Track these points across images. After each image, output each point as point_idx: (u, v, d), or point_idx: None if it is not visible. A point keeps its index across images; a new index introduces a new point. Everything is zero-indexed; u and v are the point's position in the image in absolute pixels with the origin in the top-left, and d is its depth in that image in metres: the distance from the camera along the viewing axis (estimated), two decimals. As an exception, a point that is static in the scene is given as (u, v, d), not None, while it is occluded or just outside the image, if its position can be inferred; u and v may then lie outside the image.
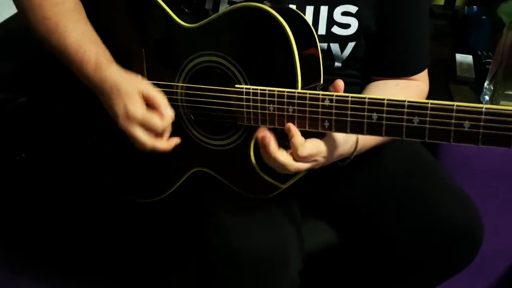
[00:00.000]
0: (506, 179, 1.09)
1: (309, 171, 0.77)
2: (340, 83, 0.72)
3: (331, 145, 0.75)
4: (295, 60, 0.72)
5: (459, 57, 1.33)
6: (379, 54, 0.90)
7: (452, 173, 0.97)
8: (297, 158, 0.72)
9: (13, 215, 1.40)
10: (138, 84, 0.81)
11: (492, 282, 1.12)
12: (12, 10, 1.22)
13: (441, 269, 0.91)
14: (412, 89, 0.91)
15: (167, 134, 0.82)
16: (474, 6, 1.48)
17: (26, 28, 0.86)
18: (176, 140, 0.84)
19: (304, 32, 0.76)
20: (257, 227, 0.80)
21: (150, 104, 0.80)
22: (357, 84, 0.94)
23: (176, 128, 0.84)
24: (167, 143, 0.83)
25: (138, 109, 0.79)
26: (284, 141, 0.74)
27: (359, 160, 0.85)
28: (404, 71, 0.91)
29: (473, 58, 1.32)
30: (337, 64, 0.88)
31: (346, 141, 0.78)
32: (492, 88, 1.09)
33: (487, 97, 1.12)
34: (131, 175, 0.98)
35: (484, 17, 1.39)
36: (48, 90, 0.94)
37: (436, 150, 1.06)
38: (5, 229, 1.41)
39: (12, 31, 1.12)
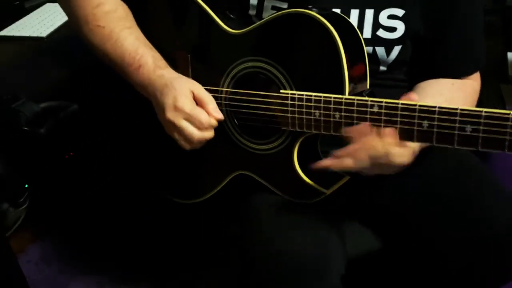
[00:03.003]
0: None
1: (354, 176, 0.76)
2: (412, 97, 0.70)
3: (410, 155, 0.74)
4: (343, 66, 0.72)
5: (511, 55, 1.27)
6: (428, 57, 0.88)
7: (500, 178, 0.93)
8: None
9: (64, 212, 1.46)
10: (191, 84, 0.84)
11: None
12: (63, 18, 1.28)
13: (493, 274, 0.88)
14: (468, 89, 0.89)
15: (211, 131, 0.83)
16: (528, 1, 1.41)
17: (76, 36, 0.89)
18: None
19: (351, 37, 0.75)
20: (299, 232, 0.79)
21: (199, 105, 0.82)
22: (404, 87, 0.92)
23: (220, 132, 0.85)
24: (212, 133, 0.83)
25: (187, 103, 0.81)
26: (333, 147, 0.73)
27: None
28: (456, 74, 0.89)
29: (526, 56, 1.26)
30: (382, 68, 0.87)
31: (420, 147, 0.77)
32: (547, 89, 1.04)
33: (541, 99, 1.07)
34: (174, 177, 1.00)
35: (538, 12, 1.32)
36: (99, 96, 0.97)
37: (484, 154, 1.02)
38: (54, 226, 1.47)
39: (63, 38, 1.16)
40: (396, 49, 0.84)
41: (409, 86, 0.92)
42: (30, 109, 0.90)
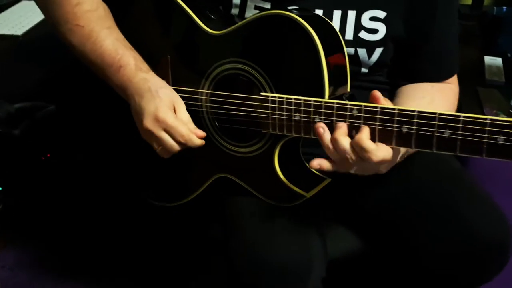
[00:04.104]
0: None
1: (338, 179, 0.76)
2: (376, 94, 0.69)
3: (396, 153, 0.73)
4: (323, 69, 0.71)
5: (488, 59, 1.29)
6: (408, 60, 0.89)
7: (480, 182, 0.94)
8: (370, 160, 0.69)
9: (35, 215, 1.42)
10: (176, 98, 0.83)
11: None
12: (40, 16, 1.25)
13: (469, 280, 0.89)
14: (447, 92, 0.91)
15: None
16: (504, 7, 1.44)
17: (53, 35, 0.87)
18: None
19: (332, 40, 0.75)
20: (281, 235, 0.79)
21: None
22: (385, 89, 0.93)
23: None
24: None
25: (170, 115, 0.80)
26: (315, 148, 0.73)
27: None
28: (435, 77, 0.90)
29: (503, 60, 1.29)
30: (364, 70, 0.87)
31: (405, 150, 0.77)
32: (522, 93, 1.06)
33: (517, 102, 1.09)
34: (154, 179, 0.99)
35: (514, 18, 1.35)
36: (76, 97, 0.95)
37: (464, 159, 1.04)
38: (29, 229, 1.44)
39: (39, 37, 1.13)
40: (378, 51, 0.84)
41: (390, 88, 0.93)
42: (3, 110, 0.88)
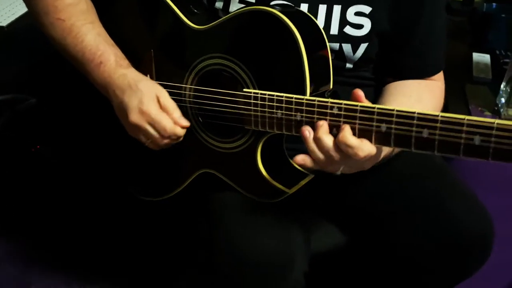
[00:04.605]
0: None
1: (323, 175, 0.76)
2: (358, 93, 0.69)
3: (379, 149, 0.73)
4: (304, 66, 0.71)
5: (476, 56, 1.30)
6: (394, 56, 0.88)
7: (463, 178, 0.95)
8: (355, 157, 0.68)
9: (26, 208, 1.42)
10: (157, 88, 0.82)
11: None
12: (25, 7, 1.23)
13: (451, 274, 0.90)
14: (434, 89, 0.90)
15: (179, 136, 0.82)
16: (494, 3, 1.44)
17: (35, 28, 0.86)
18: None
19: (314, 37, 0.75)
20: (262, 230, 0.80)
21: (164, 112, 0.81)
22: (370, 85, 0.93)
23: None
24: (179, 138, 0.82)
25: (153, 107, 0.79)
26: (299, 143, 0.73)
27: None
28: (421, 73, 0.90)
29: (491, 57, 1.29)
30: (349, 65, 0.87)
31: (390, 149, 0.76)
32: (508, 90, 1.07)
33: (503, 100, 1.09)
34: (138, 174, 0.98)
35: (503, 15, 1.35)
36: (57, 91, 0.94)
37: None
38: (20, 222, 1.43)
39: (24, 28, 1.12)
40: (363, 47, 0.84)
41: (376, 84, 0.93)
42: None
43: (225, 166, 0.86)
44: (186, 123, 0.82)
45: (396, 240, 0.90)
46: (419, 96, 0.85)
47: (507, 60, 1.21)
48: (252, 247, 0.78)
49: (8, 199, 1.42)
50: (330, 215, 0.99)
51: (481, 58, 1.29)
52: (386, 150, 0.75)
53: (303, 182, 0.82)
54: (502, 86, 1.10)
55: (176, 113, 0.81)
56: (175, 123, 0.81)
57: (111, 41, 0.85)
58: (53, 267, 1.34)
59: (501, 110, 1.08)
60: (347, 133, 0.68)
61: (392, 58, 0.89)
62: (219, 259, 0.81)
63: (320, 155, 0.70)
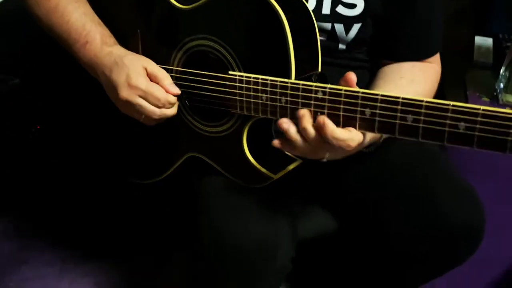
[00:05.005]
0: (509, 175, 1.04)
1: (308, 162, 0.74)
2: (350, 76, 0.66)
3: (364, 134, 0.70)
4: (289, 49, 0.69)
5: (478, 40, 1.26)
6: (388, 37, 0.86)
7: (457, 165, 0.93)
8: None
9: (24, 187, 1.43)
10: (143, 60, 0.81)
11: (494, 278, 1.10)
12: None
13: (441, 263, 0.89)
14: (429, 72, 0.88)
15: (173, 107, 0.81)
16: (498, -15, 1.39)
17: (22, 9, 0.85)
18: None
19: (302, 18, 0.73)
20: (246, 214, 0.79)
21: (154, 81, 0.80)
22: (364, 68, 0.90)
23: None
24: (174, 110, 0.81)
25: (142, 80, 0.78)
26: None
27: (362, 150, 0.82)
28: (416, 56, 0.87)
29: (494, 41, 1.25)
30: (342, 46, 0.85)
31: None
32: (507, 75, 1.04)
33: (502, 85, 1.06)
34: (128, 157, 0.98)
35: (508, -3, 1.30)
36: (41, 72, 0.93)
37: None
38: (17, 201, 1.45)
39: (13, 8, 1.10)
40: (356, 27, 0.82)
41: (371, 66, 0.90)
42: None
43: (212, 150, 0.84)
44: (177, 90, 0.80)
45: (386, 228, 0.89)
46: (411, 78, 0.83)
47: (510, 44, 1.18)
48: (236, 232, 0.77)
49: (5, 178, 1.43)
50: (321, 201, 0.98)
51: (483, 41, 1.26)
52: (371, 135, 0.73)
53: (290, 168, 0.81)
54: (501, 71, 1.07)
55: (167, 80, 0.80)
56: (167, 91, 0.79)
57: (98, 20, 0.84)
58: (50, 244, 1.35)
59: (500, 95, 1.05)
60: (332, 127, 0.65)
61: (386, 40, 0.86)
62: (203, 245, 0.80)
63: (306, 146, 0.68)
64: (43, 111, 0.97)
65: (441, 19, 0.88)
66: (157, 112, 0.80)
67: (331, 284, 1.11)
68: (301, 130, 0.68)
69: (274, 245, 0.79)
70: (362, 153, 0.77)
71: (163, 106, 0.80)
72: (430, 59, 0.89)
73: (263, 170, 0.79)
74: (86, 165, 1.02)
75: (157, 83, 0.79)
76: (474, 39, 1.26)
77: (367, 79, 0.90)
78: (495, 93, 1.07)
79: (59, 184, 1.43)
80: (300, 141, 0.68)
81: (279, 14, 0.68)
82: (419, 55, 0.88)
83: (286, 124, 0.68)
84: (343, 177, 0.94)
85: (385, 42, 0.87)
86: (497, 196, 1.01)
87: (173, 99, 0.80)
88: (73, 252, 1.33)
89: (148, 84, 0.78)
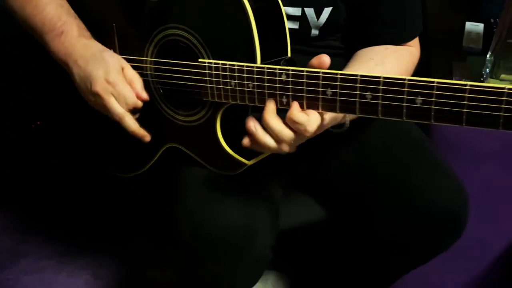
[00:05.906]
0: (495, 160, 1.02)
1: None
2: (324, 58, 0.65)
3: (325, 116, 0.69)
4: (253, 34, 0.69)
5: (469, 25, 1.23)
6: (362, 22, 0.85)
7: (441, 151, 0.91)
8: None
9: (21, 182, 1.46)
10: (121, 60, 0.83)
11: (484, 266, 1.07)
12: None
13: (424, 249, 0.88)
14: (403, 54, 0.86)
15: (134, 115, 0.82)
16: (490, -30, 1.37)
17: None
18: (145, 133, 0.84)
19: (267, 4, 0.73)
20: (222, 203, 0.79)
21: (128, 83, 0.81)
22: (340, 55, 0.90)
23: (148, 104, 0.84)
24: (135, 124, 0.82)
25: (120, 78, 0.80)
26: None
27: (346, 136, 0.82)
28: (393, 40, 0.86)
29: (485, 26, 1.23)
30: (314, 31, 0.84)
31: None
32: (493, 60, 1.02)
33: (488, 70, 1.04)
34: (109, 150, 0.99)
35: (499, -19, 1.28)
36: (20, 68, 0.95)
37: (426, 128, 1.01)
38: (13, 196, 1.48)
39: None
40: (327, 11, 0.81)
41: (347, 53, 0.90)
42: None
43: (189, 139, 0.85)
44: (146, 96, 0.82)
45: (368, 215, 0.88)
46: (381, 60, 0.81)
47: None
48: (210, 220, 0.77)
49: (5, 174, 1.46)
50: (304, 189, 0.98)
51: (474, 27, 1.23)
52: (331, 116, 0.72)
53: (262, 156, 0.81)
54: (487, 56, 1.05)
55: (139, 84, 0.82)
56: (137, 94, 0.81)
57: (74, 13, 0.85)
58: (48, 238, 1.38)
59: (486, 81, 1.03)
60: (295, 110, 0.65)
61: (360, 25, 0.85)
62: (180, 234, 0.81)
63: (273, 143, 0.68)
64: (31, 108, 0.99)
65: (419, 2, 0.87)
66: (120, 114, 0.80)
67: (317, 272, 1.10)
68: (265, 123, 0.67)
69: (250, 233, 0.79)
70: (331, 133, 0.76)
71: (129, 109, 0.81)
72: (409, 42, 0.87)
73: (237, 156, 0.79)
74: (75, 161, 1.04)
75: (130, 85, 0.81)
76: (465, 24, 1.24)
77: (343, 66, 0.89)
78: (481, 79, 1.05)
79: (56, 180, 1.45)
80: (267, 139, 0.67)
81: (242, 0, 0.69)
82: (395, 41, 0.86)
83: (253, 127, 0.68)
84: (325, 164, 0.93)
85: (359, 27, 0.85)
86: (483, 183, 0.99)
87: (140, 105, 0.81)
88: (70, 246, 1.36)
89: (123, 84, 0.80)
